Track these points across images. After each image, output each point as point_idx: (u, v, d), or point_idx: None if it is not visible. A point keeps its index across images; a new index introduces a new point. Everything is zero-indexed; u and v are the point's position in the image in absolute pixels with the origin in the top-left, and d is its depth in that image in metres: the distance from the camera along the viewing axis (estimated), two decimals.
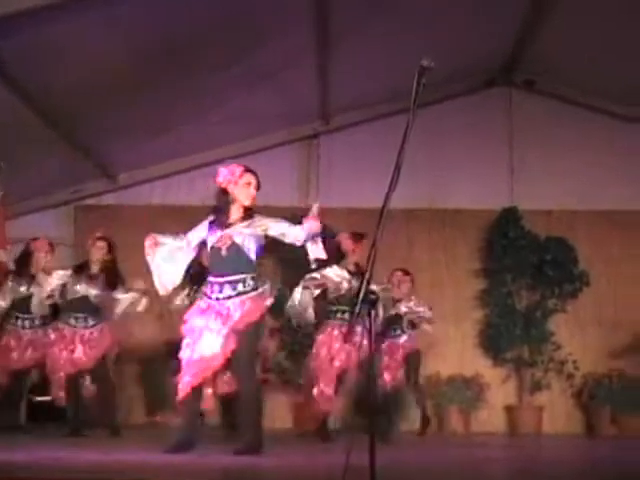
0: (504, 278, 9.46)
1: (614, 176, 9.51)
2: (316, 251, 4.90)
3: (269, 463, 4.43)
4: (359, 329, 5.86)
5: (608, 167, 9.56)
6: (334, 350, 6.63)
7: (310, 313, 6.77)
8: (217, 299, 4.83)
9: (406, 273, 7.90)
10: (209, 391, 5.01)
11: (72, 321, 6.84)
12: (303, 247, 4.93)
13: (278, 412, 8.72)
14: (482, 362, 9.42)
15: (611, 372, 9.06)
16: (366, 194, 7.99)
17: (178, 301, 6.74)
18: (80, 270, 6.94)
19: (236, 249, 4.85)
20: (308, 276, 6.64)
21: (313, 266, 4.87)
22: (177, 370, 4.83)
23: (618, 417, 8.98)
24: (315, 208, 4.89)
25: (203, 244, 5.06)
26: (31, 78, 6.73)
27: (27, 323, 7.25)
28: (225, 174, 4.93)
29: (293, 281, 7.35)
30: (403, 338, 7.80)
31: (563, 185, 9.55)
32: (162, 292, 5.19)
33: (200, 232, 5.03)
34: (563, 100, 9.80)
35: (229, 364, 4.91)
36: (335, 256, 6.63)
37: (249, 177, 4.95)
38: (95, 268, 6.94)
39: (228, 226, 4.91)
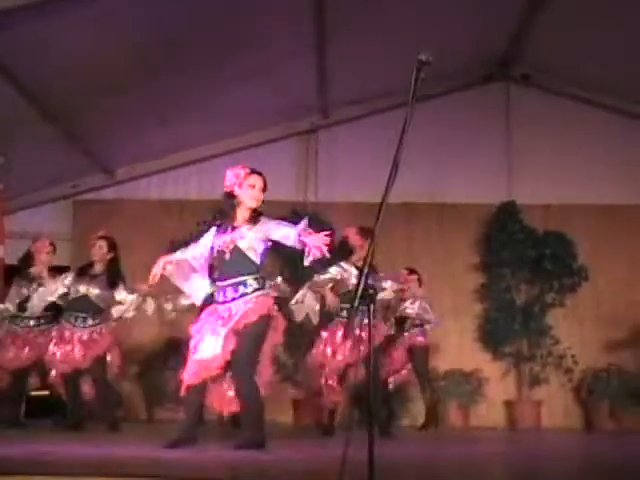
0: (503, 272, 9.47)
1: (612, 170, 9.52)
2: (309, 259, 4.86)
3: (269, 457, 4.44)
4: (358, 324, 5.84)
5: (606, 161, 9.58)
6: (336, 345, 6.64)
7: (315, 312, 6.79)
8: (222, 302, 4.88)
9: (411, 272, 7.89)
10: (230, 393, 4.99)
11: (72, 320, 6.83)
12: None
13: (278, 407, 8.72)
14: (481, 356, 9.42)
15: (609, 367, 9.05)
16: (365, 188, 7.97)
17: (183, 300, 6.76)
18: (83, 272, 6.94)
19: (239, 252, 4.86)
20: (315, 279, 6.67)
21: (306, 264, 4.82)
22: (177, 367, 4.82)
23: (616, 411, 8.98)
24: (303, 224, 4.80)
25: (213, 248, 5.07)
26: (30, 73, 6.73)
27: (25, 322, 7.26)
28: (230, 177, 4.93)
29: (295, 278, 7.38)
30: (410, 333, 7.88)
31: (561, 179, 9.57)
32: (198, 303, 5.32)
33: (207, 240, 5.03)
34: (560, 95, 9.81)
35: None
36: (343, 252, 6.63)
37: (254, 179, 4.93)
38: (97, 268, 6.93)
39: (234, 229, 4.92)
